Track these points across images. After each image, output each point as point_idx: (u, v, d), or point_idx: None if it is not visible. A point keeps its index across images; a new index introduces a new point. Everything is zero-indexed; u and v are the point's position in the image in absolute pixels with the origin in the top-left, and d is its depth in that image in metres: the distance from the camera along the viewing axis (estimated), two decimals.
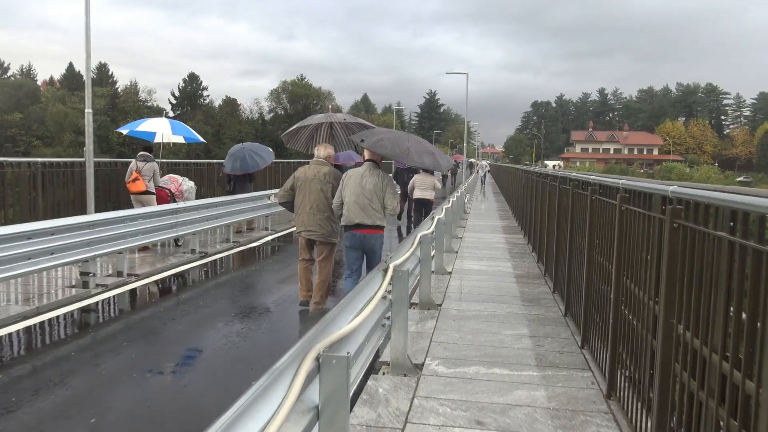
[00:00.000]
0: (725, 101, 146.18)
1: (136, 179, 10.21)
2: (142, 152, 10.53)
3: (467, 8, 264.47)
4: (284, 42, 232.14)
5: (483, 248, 11.60)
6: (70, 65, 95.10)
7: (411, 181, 13.31)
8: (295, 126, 8.16)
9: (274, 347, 5.63)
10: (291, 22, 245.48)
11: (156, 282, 8.27)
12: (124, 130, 13.14)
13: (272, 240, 12.83)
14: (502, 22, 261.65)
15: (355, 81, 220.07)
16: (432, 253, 8.65)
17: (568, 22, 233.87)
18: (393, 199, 6.32)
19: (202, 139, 13.72)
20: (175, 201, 10.66)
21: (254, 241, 12.34)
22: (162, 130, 11.94)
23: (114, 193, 11.85)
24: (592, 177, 5.69)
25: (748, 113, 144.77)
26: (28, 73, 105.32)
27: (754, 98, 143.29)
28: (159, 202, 10.26)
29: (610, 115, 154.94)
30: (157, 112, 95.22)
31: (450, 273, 8.95)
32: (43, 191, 10.20)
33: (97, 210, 9.96)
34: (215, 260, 10.07)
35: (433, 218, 8.80)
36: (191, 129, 13.31)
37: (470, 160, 72.63)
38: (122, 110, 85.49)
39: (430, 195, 13.24)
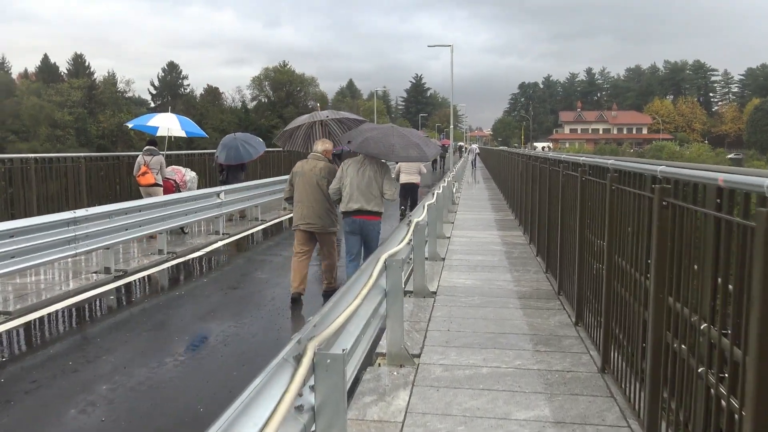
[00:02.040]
0: (713, 78, 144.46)
1: (145, 173, 10.65)
2: (147, 146, 10.98)
3: None
4: (269, 29, 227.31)
5: (476, 252, 9.44)
6: (45, 57, 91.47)
7: (397, 167, 13.28)
8: (286, 129, 8.26)
9: None
10: (276, 8, 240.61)
11: (25, 325, 6.03)
12: (130, 124, 13.51)
13: (222, 247, 10.60)
14: (488, 5, 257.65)
15: (341, 67, 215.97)
16: (409, 271, 6.52)
17: (553, 4, 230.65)
18: (390, 186, 6.63)
19: (205, 134, 14.18)
20: (179, 191, 11.06)
21: (197, 249, 10.10)
22: (169, 124, 12.38)
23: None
24: (649, 166, 3.53)
25: (736, 89, 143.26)
26: (1, 66, 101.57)
27: (741, 74, 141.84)
28: (165, 193, 10.64)
29: (598, 94, 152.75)
30: (137, 102, 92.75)
31: (434, 294, 6.79)
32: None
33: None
34: (131, 282, 7.83)
35: (410, 222, 6.64)
36: (196, 124, 13.67)
37: (459, 143, 70.55)
38: (100, 102, 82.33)
39: (416, 179, 13.34)
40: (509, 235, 11.29)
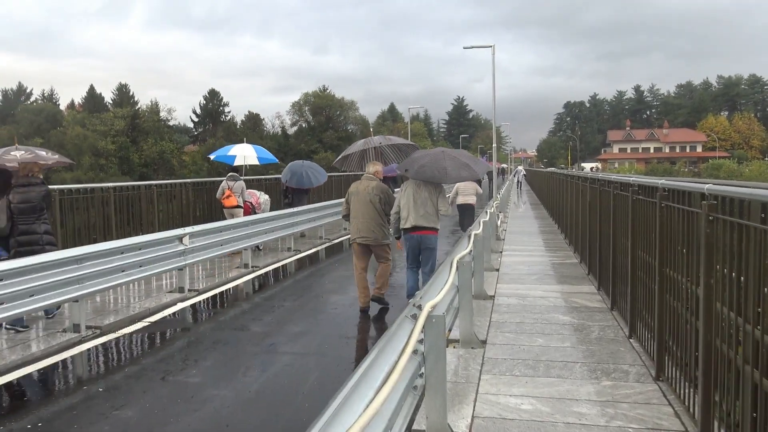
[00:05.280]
0: None
1: (228, 196, 12.05)
2: (231, 173, 12.47)
3: (500, 15, 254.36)
4: (317, 56, 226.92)
5: (532, 329, 6.28)
6: (91, 87, 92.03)
7: (454, 188, 13.91)
8: (343, 154, 8.99)
9: None
10: (323, 35, 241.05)
11: None
12: (212, 156, 14.88)
13: (180, 313, 7.71)
14: (535, 27, 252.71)
15: (386, 91, 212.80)
16: (413, 400, 3.48)
17: (600, 24, 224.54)
18: (444, 203, 7.45)
19: (276, 160, 15.55)
20: (255, 212, 12.24)
21: (137, 320, 7.21)
22: (245, 153, 13.57)
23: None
24: None
25: None
26: (50, 98, 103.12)
27: None
28: (244, 214, 11.92)
29: (648, 112, 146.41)
30: (180, 130, 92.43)
31: None
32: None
33: None
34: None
35: (420, 310, 3.60)
36: (267, 150, 15.19)
37: (501, 165, 67.02)
38: (143, 130, 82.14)
39: (472, 200, 14.09)
40: (577, 292, 8.08)
